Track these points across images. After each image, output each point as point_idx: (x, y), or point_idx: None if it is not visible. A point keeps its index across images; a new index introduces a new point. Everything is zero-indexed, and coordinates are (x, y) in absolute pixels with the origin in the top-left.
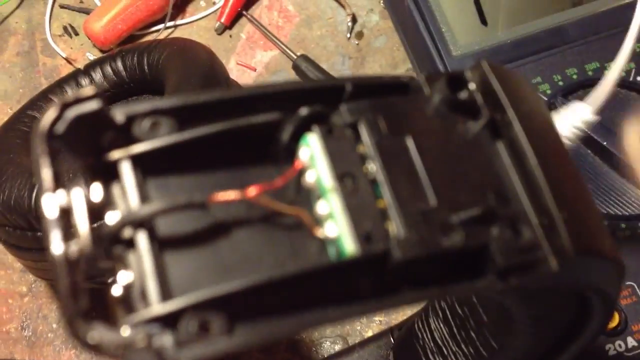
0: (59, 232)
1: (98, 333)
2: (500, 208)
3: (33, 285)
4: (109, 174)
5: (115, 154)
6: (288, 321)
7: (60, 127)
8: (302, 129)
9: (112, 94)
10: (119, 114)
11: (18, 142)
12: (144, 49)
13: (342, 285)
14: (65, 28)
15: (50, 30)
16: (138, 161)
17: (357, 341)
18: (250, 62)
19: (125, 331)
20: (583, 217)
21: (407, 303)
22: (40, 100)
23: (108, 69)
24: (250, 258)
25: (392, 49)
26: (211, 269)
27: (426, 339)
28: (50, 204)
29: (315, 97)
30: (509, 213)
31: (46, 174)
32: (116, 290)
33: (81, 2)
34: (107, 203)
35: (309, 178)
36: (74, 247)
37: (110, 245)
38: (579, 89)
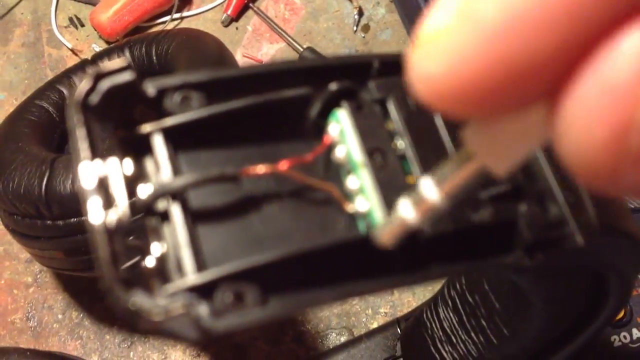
0: (97, 201)
1: (139, 299)
2: (527, 185)
3: (38, 276)
4: (140, 148)
5: (147, 127)
6: (320, 293)
7: (95, 98)
8: (331, 104)
9: None
10: (150, 87)
11: (26, 131)
12: (152, 39)
13: (372, 259)
14: (71, 19)
15: (56, 21)
16: (169, 135)
17: (362, 333)
18: (256, 55)
19: (163, 299)
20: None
21: (437, 277)
22: (47, 90)
23: (116, 59)
24: (281, 231)
25: (399, 42)
26: (243, 241)
27: (435, 328)
28: (88, 172)
29: (343, 74)
30: (536, 190)
31: (83, 143)
32: (150, 262)
33: None
34: (139, 176)
35: (339, 153)
36: (112, 216)
37: (144, 217)
38: None
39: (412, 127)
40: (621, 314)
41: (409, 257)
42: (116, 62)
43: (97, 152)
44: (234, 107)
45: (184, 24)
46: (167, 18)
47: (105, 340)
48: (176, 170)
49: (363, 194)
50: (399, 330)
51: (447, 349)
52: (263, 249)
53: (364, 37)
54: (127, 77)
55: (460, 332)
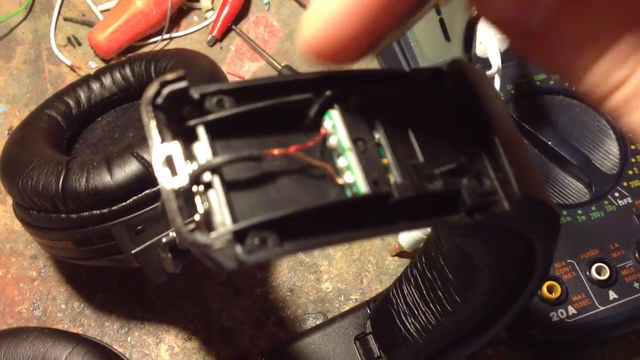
0: (167, 171)
1: (198, 236)
2: (468, 165)
3: (42, 271)
4: (188, 136)
5: (192, 122)
6: (319, 239)
7: (159, 100)
8: (326, 106)
9: (121, 97)
10: (195, 92)
11: (39, 137)
12: (151, 57)
13: (356, 217)
14: (69, 39)
15: (55, 40)
16: (209, 127)
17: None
18: (239, 72)
19: (213, 237)
20: (527, 173)
21: (403, 230)
22: (55, 101)
23: (117, 75)
24: (291, 196)
25: (367, 59)
26: (263, 204)
27: (400, 304)
28: (160, 152)
29: (335, 83)
30: (475, 169)
31: (155, 131)
32: (199, 217)
33: (83, 15)
34: (189, 156)
35: (332, 141)
36: (176, 182)
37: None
38: (528, 95)
39: (384, 123)
40: (559, 294)
41: (383, 215)
42: (174, 74)
43: (163, 138)
44: (256, 107)
45: (173, 44)
46: (158, 38)
47: (105, 327)
48: (214, 153)
49: (350, 170)
50: (368, 310)
51: (410, 320)
52: (278, 209)
53: None
54: (182, 84)
55: (421, 305)
